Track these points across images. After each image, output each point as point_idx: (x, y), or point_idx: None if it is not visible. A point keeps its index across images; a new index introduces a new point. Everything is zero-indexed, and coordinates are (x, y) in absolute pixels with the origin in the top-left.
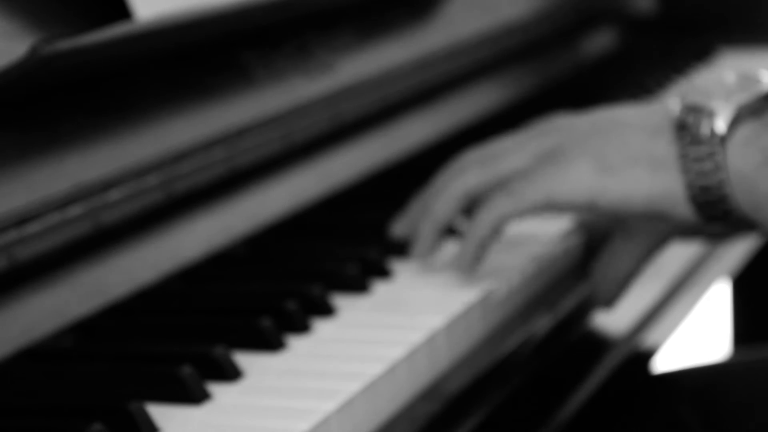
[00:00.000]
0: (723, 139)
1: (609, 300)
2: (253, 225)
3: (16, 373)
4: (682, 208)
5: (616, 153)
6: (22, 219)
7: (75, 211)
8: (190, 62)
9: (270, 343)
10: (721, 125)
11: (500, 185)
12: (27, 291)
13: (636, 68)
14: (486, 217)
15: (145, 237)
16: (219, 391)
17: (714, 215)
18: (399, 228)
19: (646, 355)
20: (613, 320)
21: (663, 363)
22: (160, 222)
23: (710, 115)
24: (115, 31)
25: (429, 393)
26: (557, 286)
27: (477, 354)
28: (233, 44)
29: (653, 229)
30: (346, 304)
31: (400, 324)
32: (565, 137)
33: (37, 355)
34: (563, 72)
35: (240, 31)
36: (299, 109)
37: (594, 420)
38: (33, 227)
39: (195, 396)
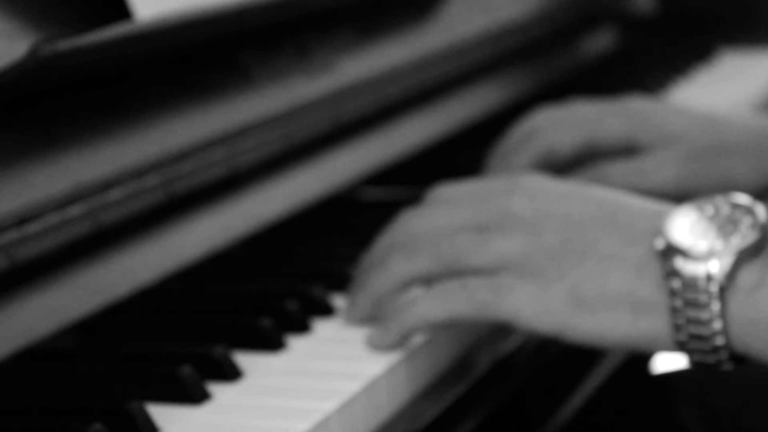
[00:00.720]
0: (722, 289)
1: None
2: (253, 225)
3: (16, 373)
4: (663, 348)
5: (596, 289)
6: (22, 219)
7: (75, 211)
8: (189, 62)
9: (270, 343)
10: (717, 272)
11: (452, 285)
12: (27, 291)
13: (636, 68)
14: (429, 312)
15: (145, 237)
16: (219, 391)
17: (702, 362)
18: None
19: (646, 355)
20: None
21: (663, 362)
22: (160, 222)
23: (705, 259)
24: (115, 31)
25: (428, 392)
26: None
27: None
28: (233, 44)
29: None
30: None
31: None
32: (536, 246)
33: (37, 355)
34: (563, 72)
35: (240, 31)
36: (299, 109)
37: (593, 421)
38: (33, 227)
39: (195, 396)
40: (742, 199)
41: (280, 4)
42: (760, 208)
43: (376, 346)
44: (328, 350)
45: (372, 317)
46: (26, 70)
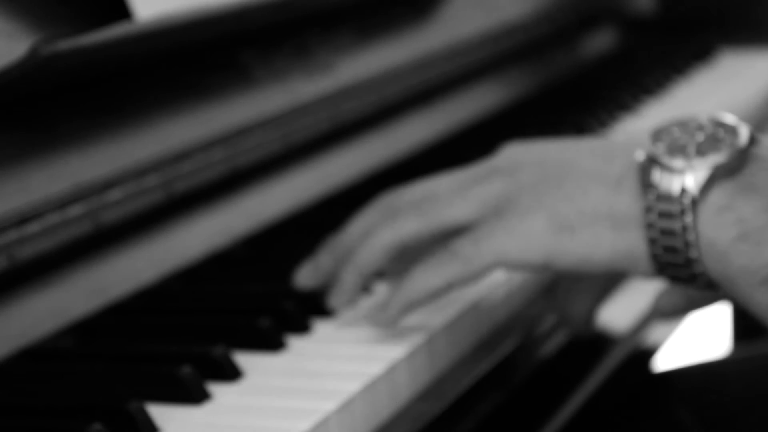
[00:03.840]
0: (695, 201)
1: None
2: (253, 225)
3: (16, 373)
4: (643, 266)
5: (574, 209)
6: (22, 219)
7: (75, 211)
8: (190, 62)
9: (270, 343)
10: (692, 185)
11: (442, 243)
12: (27, 291)
13: (636, 68)
14: (426, 283)
15: (145, 237)
16: (219, 391)
17: (678, 277)
18: (305, 276)
19: (646, 354)
20: (614, 319)
21: (663, 361)
22: (160, 222)
23: (681, 172)
24: (115, 31)
25: (427, 395)
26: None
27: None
28: (233, 44)
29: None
30: None
31: (402, 323)
32: (514, 184)
33: (37, 355)
34: (563, 72)
35: (240, 31)
36: (299, 109)
37: (593, 420)
38: (33, 227)
39: (195, 396)
40: (729, 118)
41: (280, 4)
42: (743, 130)
43: (382, 323)
44: (328, 350)
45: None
46: (26, 70)
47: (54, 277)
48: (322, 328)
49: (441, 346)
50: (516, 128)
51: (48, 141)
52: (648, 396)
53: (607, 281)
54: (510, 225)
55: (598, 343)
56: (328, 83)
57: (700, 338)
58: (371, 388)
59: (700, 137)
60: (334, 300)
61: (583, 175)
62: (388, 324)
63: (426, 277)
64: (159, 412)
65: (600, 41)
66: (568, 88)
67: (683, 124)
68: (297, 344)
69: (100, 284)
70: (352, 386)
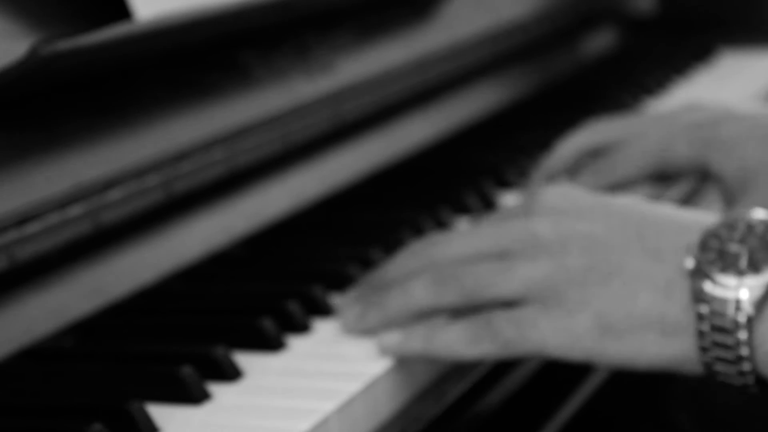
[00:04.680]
0: (750, 319)
1: None
2: (253, 225)
3: (16, 373)
4: (690, 368)
5: (623, 313)
6: (22, 219)
7: (75, 211)
8: (190, 62)
9: (270, 343)
10: (747, 302)
11: (478, 322)
12: (27, 291)
13: (636, 68)
14: (457, 350)
15: (145, 237)
16: (219, 391)
17: (726, 379)
18: (352, 318)
19: None
20: None
21: None
22: (160, 222)
23: (734, 288)
24: (115, 31)
25: (427, 395)
26: None
27: None
28: (233, 44)
29: None
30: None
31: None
32: (561, 271)
33: (37, 355)
34: (563, 72)
35: (240, 31)
36: (299, 109)
37: (592, 423)
38: (33, 227)
39: (195, 396)
40: None
41: (280, 4)
42: None
43: (388, 349)
44: (328, 350)
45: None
46: (26, 70)
47: (54, 277)
48: (322, 328)
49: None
50: (516, 128)
51: (48, 141)
52: (645, 399)
53: None
54: (555, 320)
55: None
56: (328, 83)
57: None
58: (371, 388)
59: (752, 243)
60: (352, 323)
61: (632, 276)
62: (397, 356)
63: (459, 343)
64: (159, 412)
65: (600, 41)
66: (568, 88)
67: (731, 227)
68: (297, 344)
69: (100, 284)
70: (352, 386)
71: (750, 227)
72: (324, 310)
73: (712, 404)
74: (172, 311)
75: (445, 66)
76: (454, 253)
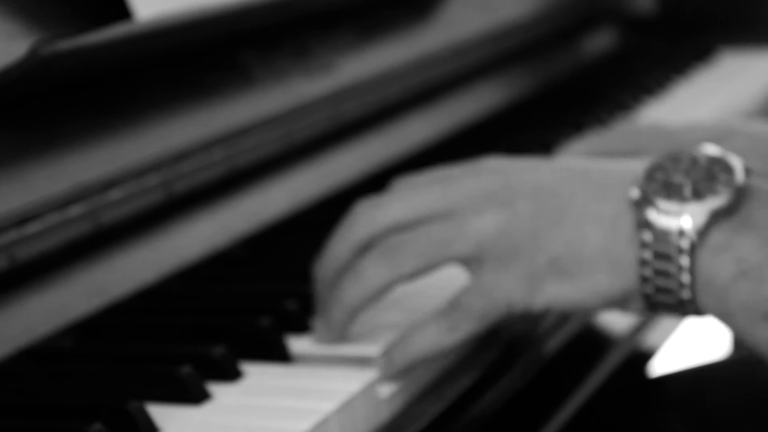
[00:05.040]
0: (693, 245)
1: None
2: (253, 225)
3: (16, 373)
4: (634, 305)
5: (574, 254)
6: (22, 219)
7: (75, 211)
8: (189, 62)
9: (270, 343)
10: (690, 228)
11: (448, 309)
12: (27, 291)
13: (636, 68)
14: (437, 342)
15: (145, 237)
16: (219, 391)
17: (665, 312)
18: (323, 335)
19: (644, 357)
20: (612, 321)
21: (661, 364)
22: (160, 222)
23: (677, 214)
24: (115, 31)
25: (427, 395)
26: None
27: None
28: (233, 44)
29: None
30: None
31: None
32: (512, 218)
33: (37, 355)
34: (563, 72)
35: (240, 31)
36: (299, 109)
37: (589, 426)
38: (33, 227)
39: (195, 396)
40: (716, 151)
41: (280, 4)
42: (737, 163)
43: (383, 372)
44: (328, 350)
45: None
46: (26, 70)
47: (54, 277)
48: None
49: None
50: (516, 128)
51: (48, 141)
52: (640, 402)
53: None
54: (513, 271)
55: (596, 345)
56: (328, 83)
57: (700, 339)
58: (371, 388)
59: (696, 175)
60: (322, 336)
61: (579, 214)
62: (389, 378)
63: (439, 336)
64: (159, 412)
65: (600, 41)
66: (568, 88)
67: (676, 160)
68: (297, 344)
69: (100, 284)
70: (352, 386)
71: (694, 160)
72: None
73: (705, 410)
74: (172, 311)
75: (445, 66)
76: (394, 218)
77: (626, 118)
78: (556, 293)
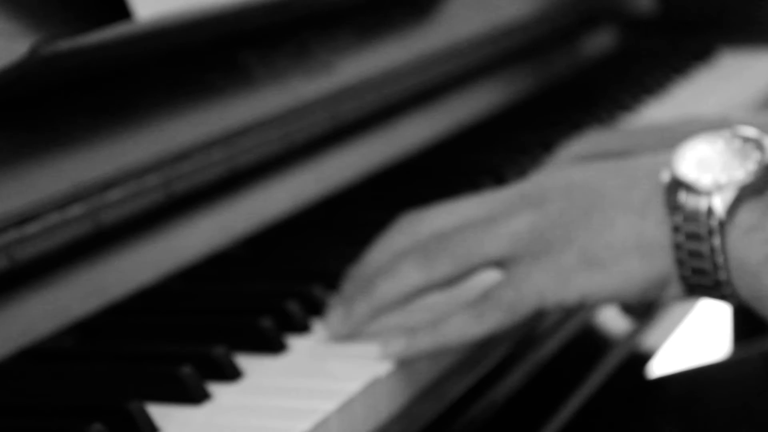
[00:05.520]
0: (722, 223)
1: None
2: (253, 225)
3: (16, 373)
4: (674, 289)
5: (603, 244)
6: (22, 219)
7: (75, 211)
8: (189, 62)
9: (270, 343)
10: (719, 206)
11: (478, 300)
12: (27, 291)
13: (636, 68)
14: (466, 332)
15: (145, 237)
16: (219, 391)
17: (705, 296)
18: (335, 322)
19: (643, 358)
20: (612, 322)
21: (660, 365)
22: (160, 222)
23: (707, 193)
24: (115, 31)
25: (427, 395)
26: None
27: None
28: (233, 44)
29: None
30: None
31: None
32: (543, 217)
33: (37, 355)
34: (563, 72)
35: (240, 31)
36: (299, 109)
37: (587, 426)
38: (33, 227)
39: (195, 396)
40: (752, 132)
41: (280, 4)
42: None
43: (396, 354)
44: (328, 350)
45: (359, 331)
46: (26, 70)
47: (54, 277)
48: (322, 328)
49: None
50: (516, 128)
51: (48, 141)
52: (639, 403)
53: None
54: (544, 265)
55: (596, 346)
56: (328, 83)
57: (699, 340)
58: (371, 388)
59: (727, 154)
60: (337, 327)
61: (609, 204)
62: (408, 357)
63: (467, 325)
64: (159, 412)
65: (600, 41)
66: (568, 88)
67: (709, 140)
68: (297, 344)
69: (100, 284)
70: (352, 386)
71: (728, 141)
72: (324, 310)
73: (704, 411)
74: (172, 311)
75: (445, 66)
76: (438, 227)
77: (626, 118)
78: (589, 285)
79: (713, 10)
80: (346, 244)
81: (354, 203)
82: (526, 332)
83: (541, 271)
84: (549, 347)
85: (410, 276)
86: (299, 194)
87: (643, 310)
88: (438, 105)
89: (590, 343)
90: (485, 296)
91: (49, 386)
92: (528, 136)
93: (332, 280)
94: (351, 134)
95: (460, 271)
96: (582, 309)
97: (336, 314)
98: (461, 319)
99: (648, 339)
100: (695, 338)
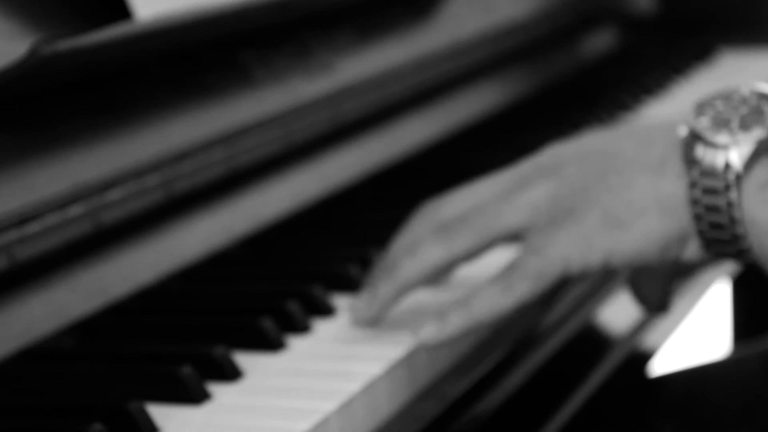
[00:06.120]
0: (739, 177)
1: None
2: (253, 225)
3: (16, 373)
4: (692, 245)
5: (622, 203)
6: (22, 219)
7: (75, 211)
8: (190, 62)
9: (270, 343)
10: (736, 160)
11: (505, 272)
12: (27, 291)
13: (636, 68)
14: (496, 304)
15: (145, 237)
16: (219, 391)
17: (724, 253)
18: (362, 307)
19: (644, 357)
20: (612, 321)
21: (660, 364)
22: (160, 222)
23: (725, 147)
24: (115, 31)
25: (427, 395)
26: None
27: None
28: (233, 44)
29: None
30: (346, 303)
31: (401, 323)
32: (560, 183)
33: (37, 355)
34: (563, 72)
35: (240, 31)
36: (299, 109)
37: (587, 425)
38: (33, 227)
39: (195, 396)
40: (767, 88)
41: (280, 4)
42: None
43: (430, 339)
44: (328, 350)
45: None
46: (26, 70)
47: (54, 277)
48: (322, 328)
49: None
50: (516, 128)
51: (48, 141)
52: (640, 402)
53: (669, 270)
54: (566, 230)
55: (596, 345)
56: (328, 83)
57: (699, 339)
58: (371, 388)
59: (744, 110)
60: (364, 309)
61: (625, 164)
62: (443, 340)
63: (497, 297)
64: (159, 412)
65: (600, 41)
66: (568, 88)
67: (726, 97)
68: (297, 344)
69: (100, 284)
70: (352, 386)
71: (744, 97)
72: (324, 310)
73: (704, 410)
74: (172, 311)
75: (445, 66)
76: (457, 209)
77: (626, 118)
78: (611, 246)
79: (713, 10)
80: (346, 244)
81: (354, 203)
82: (526, 332)
83: (564, 235)
84: (549, 347)
85: (431, 252)
86: (299, 194)
87: (659, 303)
88: (438, 105)
89: (590, 342)
90: (511, 267)
91: (49, 386)
92: (528, 136)
93: (332, 280)
94: (351, 134)
95: (480, 242)
96: (607, 277)
97: (361, 299)
98: (490, 293)
99: (648, 338)
100: (695, 338)
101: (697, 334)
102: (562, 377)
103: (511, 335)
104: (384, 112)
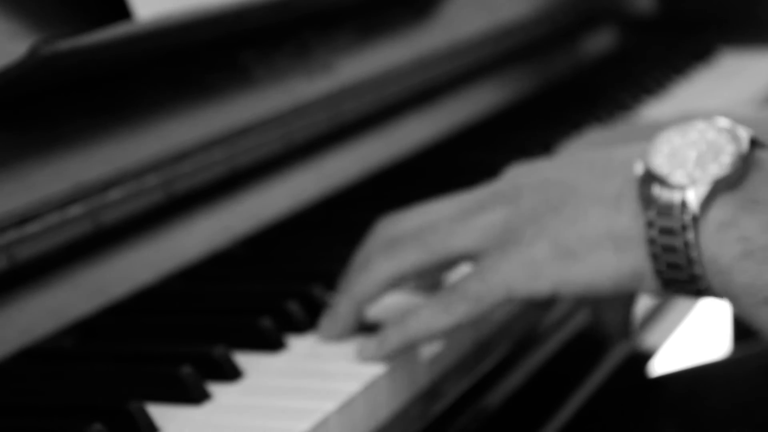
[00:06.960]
0: (695, 218)
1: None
2: (253, 225)
3: (16, 373)
4: (648, 283)
5: (575, 234)
6: (22, 219)
7: (75, 211)
8: (189, 62)
9: (270, 343)
10: (693, 200)
11: (444, 292)
12: (27, 291)
13: (636, 68)
14: (434, 323)
15: (145, 237)
16: (219, 391)
17: (683, 291)
18: (326, 328)
19: (644, 357)
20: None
21: (660, 364)
22: (160, 222)
23: (681, 186)
24: (115, 31)
25: (427, 395)
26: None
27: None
28: (233, 44)
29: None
30: None
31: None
32: (515, 211)
33: (37, 355)
34: (563, 72)
35: (240, 31)
36: (299, 109)
37: (587, 425)
38: (33, 227)
39: (195, 396)
40: (726, 123)
41: (280, 4)
42: (743, 134)
43: (370, 357)
44: (328, 350)
45: (350, 330)
46: (26, 70)
47: (54, 277)
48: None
49: (440, 347)
50: (516, 128)
51: (48, 141)
52: (640, 402)
53: (627, 299)
54: (514, 256)
55: (596, 345)
56: (328, 83)
57: (699, 339)
58: (371, 388)
59: (702, 146)
60: (325, 330)
61: (582, 197)
62: (381, 357)
63: (434, 317)
64: (159, 412)
65: (600, 41)
66: (568, 88)
67: (683, 132)
68: (297, 344)
69: (100, 284)
70: (352, 386)
71: (702, 132)
72: (324, 310)
73: (705, 410)
74: (172, 311)
75: (445, 66)
76: (413, 226)
77: (626, 118)
78: (561, 276)
79: (713, 10)
80: (345, 244)
81: (354, 203)
82: (527, 332)
83: (508, 262)
84: (549, 347)
85: (381, 267)
86: (299, 194)
87: (620, 330)
88: (438, 105)
89: (590, 342)
90: (452, 288)
91: (49, 386)
92: (528, 136)
93: (332, 280)
94: (351, 134)
95: (430, 260)
96: (558, 302)
97: (324, 317)
98: (428, 312)
99: (648, 339)
100: (695, 338)
101: (697, 334)
102: (562, 377)
103: (511, 335)
104: (384, 112)
